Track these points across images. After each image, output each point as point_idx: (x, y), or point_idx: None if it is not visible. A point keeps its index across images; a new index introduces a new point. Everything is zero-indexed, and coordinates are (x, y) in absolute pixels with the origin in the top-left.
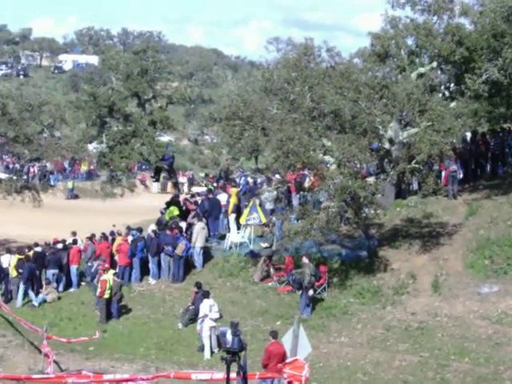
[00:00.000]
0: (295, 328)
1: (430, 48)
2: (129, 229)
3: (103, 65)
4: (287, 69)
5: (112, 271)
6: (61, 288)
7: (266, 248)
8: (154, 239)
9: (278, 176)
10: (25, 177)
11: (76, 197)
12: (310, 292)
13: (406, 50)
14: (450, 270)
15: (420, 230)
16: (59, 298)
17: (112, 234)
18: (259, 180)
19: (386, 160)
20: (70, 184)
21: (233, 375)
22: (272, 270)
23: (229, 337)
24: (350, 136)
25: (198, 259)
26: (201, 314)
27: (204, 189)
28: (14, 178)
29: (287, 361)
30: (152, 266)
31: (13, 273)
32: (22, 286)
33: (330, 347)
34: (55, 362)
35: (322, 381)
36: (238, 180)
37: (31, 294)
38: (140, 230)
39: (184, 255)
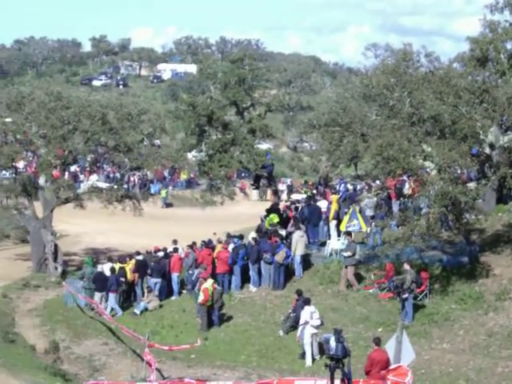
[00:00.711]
0: (398, 334)
1: None
2: (230, 236)
3: (201, 74)
4: (386, 75)
5: (211, 280)
6: (162, 296)
7: (349, 257)
8: (254, 247)
9: (377, 182)
10: (125, 186)
11: (170, 205)
12: (405, 295)
13: (506, 54)
14: None
15: None
16: (161, 306)
17: (210, 241)
18: (359, 186)
19: (487, 165)
20: (163, 193)
21: (336, 382)
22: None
23: (332, 343)
24: (450, 141)
25: (298, 268)
26: (302, 321)
27: (304, 196)
28: (115, 187)
29: (391, 367)
30: (252, 273)
31: None
32: (112, 295)
33: (432, 354)
34: (157, 369)
35: None
36: (337, 187)
37: (115, 304)
38: (241, 237)
39: (285, 263)
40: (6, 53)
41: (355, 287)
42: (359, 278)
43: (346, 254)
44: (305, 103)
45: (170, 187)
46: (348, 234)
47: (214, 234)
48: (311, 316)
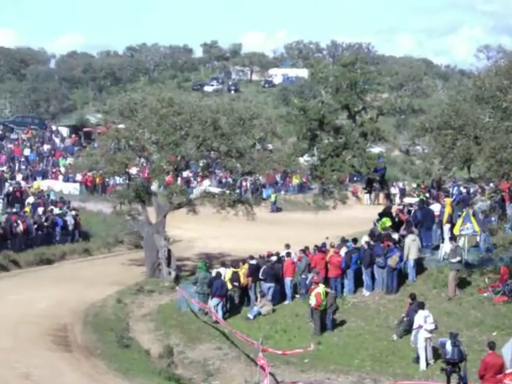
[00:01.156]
0: None
1: None
2: (344, 240)
3: (313, 78)
4: (499, 76)
5: (322, 285)
6: (275, 300)
7: (457, 262)
8: (367, 251)
9: (491, 185)
10: (238, 191)
11: (279, 210)
12: None
13: None
14: None
15: None
16: (274, 311)
17: (323, 245)
18: (472, 190)
19: None
20: (273, 197)
21: None
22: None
23: (448, 348)
24: None
25: (411, 272)
26: (415, 325)
27: (416, 199)
28: (227, 192)
29: (507, 371)
30: (366, 277)
31: (228, 286)
32: (214, 300)
33: None
34: (271, 374)
35: None
36: (450, 190)
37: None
38: (355, 240)
39: (398, 267)
40: (119, 60)
41: (452, 293)
42: (466, 284)
43: (452, 260)
44: (416, 106)
45: (282, 192)
46: (453, 238)
47: (327, 238)
48: (425, 320)
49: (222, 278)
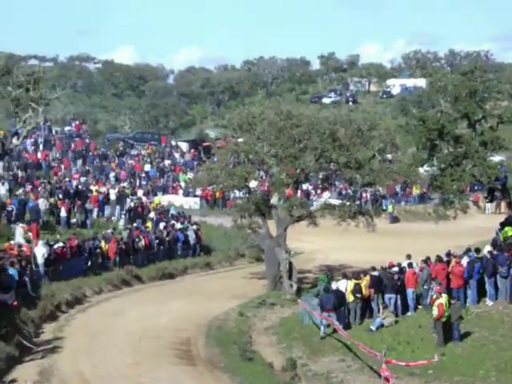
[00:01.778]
0: None
1: None
2: (467, 250)
3: (431, 87)
4: None
5: (444, 296)
6: (398, 312)
7: None
8: (489, 260)
9: None
10: (358, 202)
11: (396, 220)
12: None
13: None
14: None
15: None
16: (396, 322)
17: (448, 255)
18: None
19: None
20: (390, 208)
21: None
22: None
23: None
24: None
25: None
26: None
27: None
28: (348, 203)
29: None
30: (489, 287)
31: (349, 297)
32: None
33: None
34: None
35: None
36: None
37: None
38: (478, 250)
39: None
40: (237, 74)
41: None
42: None
43: None
44: None
45: (403, 202)
46: None
47: (449, 250)
48: None
49: (333, 290)
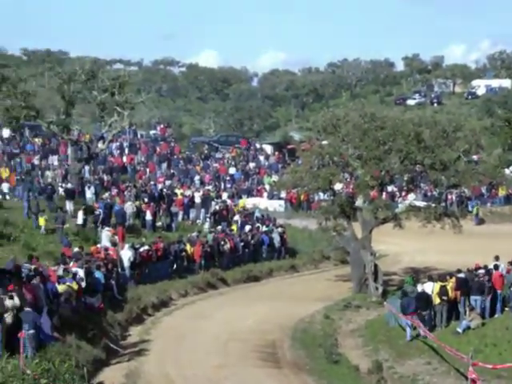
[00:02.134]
0: None
1: None
2: None
3: None
4: None
5: None
6: (485, 314)
7: None
8: None
9: None
10: (443, 204)
11: (482, 222)
12: None
13: None
14: None
15: None
16: (483, 324)
17: None
18: None
19: None
20: (475, 209)
21: None
22: None
23: None
24: None
25: None
26: None
27: None
28: (433, 205)
29: None
30: None
31: (435, 300)
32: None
33: None
34: None
35: None
36: None
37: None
38: None
39: None
40: (321, 76)
41: None
42: None
43: None
44: None
45: (488, 204)
46: None
47: None
48: None
49: (417, 292)
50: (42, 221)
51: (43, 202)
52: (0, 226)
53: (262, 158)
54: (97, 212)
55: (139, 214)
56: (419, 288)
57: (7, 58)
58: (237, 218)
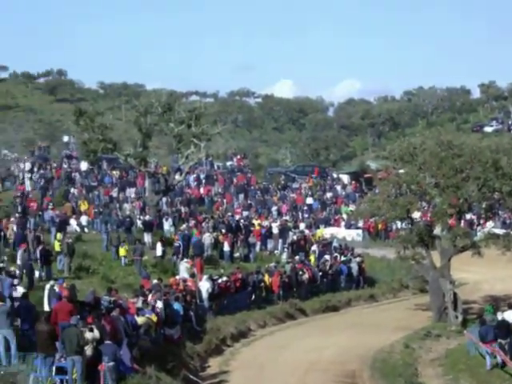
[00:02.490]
0: None
1: None
2: None
3: None
4: None
5: None
6: None
7: None
8: None
9: None
10: None
11: None
12: None
13: None
14: None
15: None
16: None
17: None
18: None
19: None
20: None
21: None
22: None
23: None
24: None
25: None
26: None
27: None
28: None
29: None
30: None
31: None
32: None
33: None
34: None
35: None
36: None
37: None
38: None
39: None
40: (397, 104)
41: None
42: None
43: None
44: None
45: None
46: None
47: None
48: None
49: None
50: (122, 251)
51: (122, 235)
52: (79, 259)
53: (338, 187)
54: (175, 244)
55: (217, 245)
56: (499, 316)
57: (84, 91)
58: (314, 247)
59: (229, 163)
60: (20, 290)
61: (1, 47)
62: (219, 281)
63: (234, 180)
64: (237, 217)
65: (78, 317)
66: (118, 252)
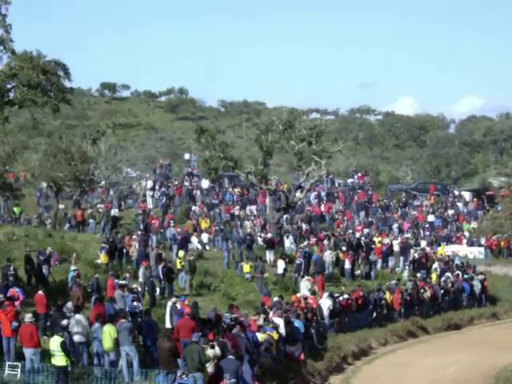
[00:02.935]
0: None
1: None
2: None
3: None
4: None
5: None
6: None
7: None
8: None
9: None
10: None
11: None
12: None
13: None
14: None
15: None
16: None
17: None
18: None
19: None
20: None
21: None
22: None
23: None
24: None
25: None
26: None
27: None
28: None
29: None
30: None
31: None
32: None
33: None
34: None
35: None
36: None
37: None
38: None
39: None
40: None
41: None
42: None
43: None
44: None
45: None
46: None
47: None
48: None
49: None
50: (246, 268)
51: (244, 252)
52: (200, 276)
53: (460, 204)
54: (297, 261)
55: (338, 262)
56: None
57: (205, 110)
58: (436, 265)
59: (350, 180)
60: (141, 308)
61: (123, 66)
62: (340, 298)
63: (355, 197)
64: (358, 234)
65: (200, 334)
66: (241, 268)
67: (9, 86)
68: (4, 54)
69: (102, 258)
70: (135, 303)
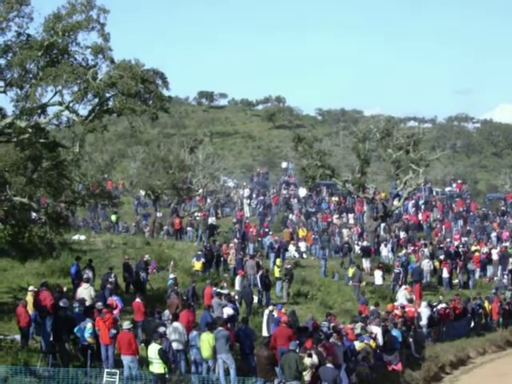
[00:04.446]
0: None
1: None
2: None
3: None
4: None
5: None
6: None
7: None
8: None
9: None
10: None
11: None
12: None
13: None
14: None
15: None
16: None
17: None
18: None
19: None
20: None
21: None
22: None
23: None
24: None
25: None
26: None
27: None
28: None
29: None
30: None
31: None
32: None
33: None
34: None
35: None
36: None
37: None
38: None
39: None
40: None
41: None
42: None
43: None
44: None
45: None
46: None
47: None
48: None
49: None
50: (350, 271)
51: (339, 260)
52: (298, 285)
53: None
54: (395, 270)
55: (436, 271)
56: None
57: (303, 118)
58: None
59: (447, 189)
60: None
61: (221, 75)
62: (438, 307)
63: (453, 206)
64: (455, 243)
65: (297, 342)
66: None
67: (108, 95)
68: (103, 63)
69: (197, 266)
70: (233, 311)
